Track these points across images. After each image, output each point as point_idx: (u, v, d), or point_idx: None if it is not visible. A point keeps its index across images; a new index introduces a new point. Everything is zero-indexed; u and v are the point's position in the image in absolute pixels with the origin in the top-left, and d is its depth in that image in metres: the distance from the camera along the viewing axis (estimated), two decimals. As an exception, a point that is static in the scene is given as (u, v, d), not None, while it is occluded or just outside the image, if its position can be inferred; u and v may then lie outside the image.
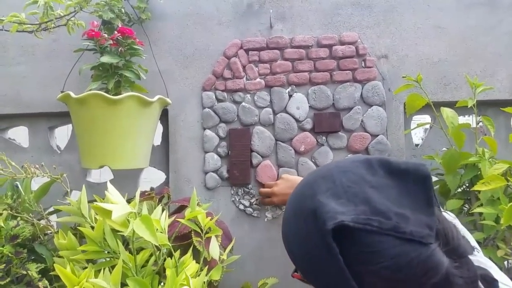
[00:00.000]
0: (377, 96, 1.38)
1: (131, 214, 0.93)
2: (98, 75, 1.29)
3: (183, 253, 1.09)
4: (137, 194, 1.01)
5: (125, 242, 1.12)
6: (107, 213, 0.91)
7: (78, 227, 1.07)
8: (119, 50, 1.25)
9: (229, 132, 1.42)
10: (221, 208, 1.40)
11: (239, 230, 1.40)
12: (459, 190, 1.24)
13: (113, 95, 1.19)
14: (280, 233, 1.44)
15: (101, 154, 1.23)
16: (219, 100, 1.43)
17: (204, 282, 0.94)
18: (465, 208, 1.25)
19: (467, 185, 1.22)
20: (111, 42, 1.25)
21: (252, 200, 1.41)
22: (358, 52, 1.40)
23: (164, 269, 1.03)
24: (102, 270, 0.91)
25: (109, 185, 1.00)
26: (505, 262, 1.17)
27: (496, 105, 1.38)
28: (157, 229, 0.97)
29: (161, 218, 1.01)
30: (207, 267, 0.99)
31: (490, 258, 1.11)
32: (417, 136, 1.47)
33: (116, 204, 0.94)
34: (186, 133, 1.44)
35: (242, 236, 1.40)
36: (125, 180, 1.48)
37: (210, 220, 1.08)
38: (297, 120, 1.41)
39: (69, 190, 1.18)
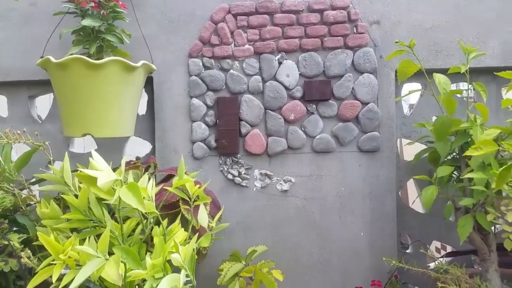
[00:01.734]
0: (368, 63, 1.35)
1: (116, 182, 0.90)
2: (79, 39, 1.23)
3: (171, 222, 1.07)
4: (123, 162, 0.98)
5: (111, 212, 1.08)
6: (92, 181, 0.88)
7: (61, 195, 1.03)
8: (101, 13, 1.20)
9: (217, 100, 1.38)
10: (209, 178, 1.38)
11: (228, 200, 1.39)
12: (449, 157, 1.24)
13: (95, 60, 1.14)
14: (269, 201, 1.42)
15: (84, 122, 1.19)
16: (206, 68, 1.38)
17: (194, 249, 0.92)
18: (455, 175, 1.24)
19: (457, 152, 1.21)
20: (92, 4, 1.19)
21: (240, 170, 1.38)
22: (350, 17, 1.36)
23: (152, 239, 1.00)
24: (87, 238, 0.88)
25: (94, 153, 0.97)
26: (493, 228, 1.18)
27: (488, 73, 1.37)
28: (144, 197, 0.95)
29: (148, 186, 0.98)
30: (196, 234, 0.97)
31: (478, 223, 1.12)
32: (408, 104, 1.46)
33: (101, 171, 0.90)
34: (172, 102, 1.40)
35: (230, 205, 1.39)
36: (110, 150, 1.44)
37: (199, 188, 1.05)
38: (286, 88, 1.37)
39: (51, 159, 1.14)
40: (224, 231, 1.36)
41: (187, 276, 0.84)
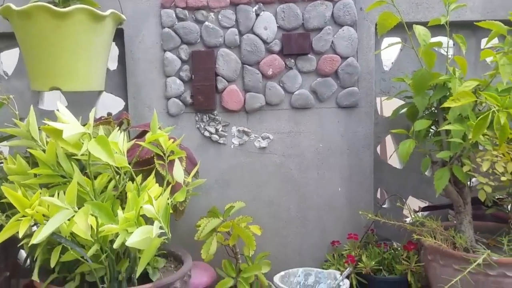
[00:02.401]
0: (348, 16, 1.31)
1: (84, 136, 0.86)
2: (43, -14, 1.15)
3: (145, 178, 1.04)
4: (91, 115, 0.93)
5: (83, 170, 1.05)
6: (59, 134, 0.84)
7: (28, 150, 0.99)
8: (65, -44, 1.11)
9: (191, 54, 1.32)
10: (185, 135, 1.34)
11: (205, 158, 1.36)
12: (427, 112, 1.23)
13: (61, 8, 1.07)
14: (247, 159, 1.41)
15: (51, 75, 1.13)
16: (180, 19, 1.32)
17: (168, 203, 0.90)
18: (433, 130, 1.24)
19: (435, 106, 1.21)
20: None
21: (217, 127, 1.35)
22: (329, -33, 1.31)
23: (126, 195, 0.98)
24: (56, 193, 0.85)
25: (60, 105, 0.92)
26: (469, 182, 1.20)
27: (468, 27, 1.35)
28: (115, 152, 0.91)
29: (119, 140, 0.95)
30: (170, 186, 0.95)
31: (455, 176, 1.13)
32: (387, 59, 1.44)
33: (68, 123, 0.86)
34: (144, 56, 1.34)
35: (208, 163, 1.37)
36: (81, 108, 1.38)
37: (173, 142, 1.02)
38: (264, 42, 1.33)
39: (17, 113, 1.09)
40: (202, 188, 1.35)
41: (161, 228, 0.82)
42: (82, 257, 0.88)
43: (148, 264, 1.00)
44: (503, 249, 1.12)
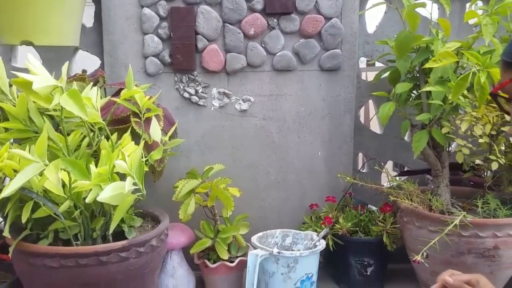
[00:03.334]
0: (333, -25, 1.28)
1: (56, 89, 0.83)
2: None
3: (121, 138, 1.01)
4: (64, 69, 0.90)
5: (57, 128, 1.01)
6: (29, 86, 0.80)
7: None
8: None
9: (170, 11, 1.27)
10: (164, 96, 1.31)
11: (184, 120, 1.33)
12: (409, 76, 1.22)
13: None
14: (227, 121, 1.38)
15: (23, 28, 1.08)
16: (158, -27, 1.26)
17: (143, 161, 0.88)
18: (414, 94, 1.24)
19: (417, 70, 1.20)
20: None
21: (197, 88, 1.32)
22: None
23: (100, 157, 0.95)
24: (27, 147, 0.83)
25: (30, 56, 0.88)
26: (448, 147, 1.20)
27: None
28: (89, 108, 0.88)
29: (92, 96, 0.92)
30: (143, 141, 0.92)
31: (433, 140, 1.13)
32: (371, 23, 1.41)
33: (38, 75, 0.83)
34: (120, 11, 1.29)
35: (187, 125, 1.34)
36: (55, 65, 1.33)
37: (149, 99, 0.99)
38: (246, 0, 1.28)
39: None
40: (182, 151, 1.33)
41: (135, 184, 0.81)
42: (56, 213, 0.86)
43: (124, 222, 0.99)
44: (477, 212, 1.14)
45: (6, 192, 0.70)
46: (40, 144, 0.74)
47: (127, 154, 0.84)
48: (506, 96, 0.66)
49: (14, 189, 0.70)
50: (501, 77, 0.66)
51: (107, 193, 0.75)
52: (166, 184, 1.30)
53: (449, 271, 0.80)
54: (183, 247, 1.23)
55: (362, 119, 1.52)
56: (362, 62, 1.69)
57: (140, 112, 1.00)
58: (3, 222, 1.08)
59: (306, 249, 1.18)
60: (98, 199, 0.75)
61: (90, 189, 0.83)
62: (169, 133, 1.06)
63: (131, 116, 1.06)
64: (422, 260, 1.02)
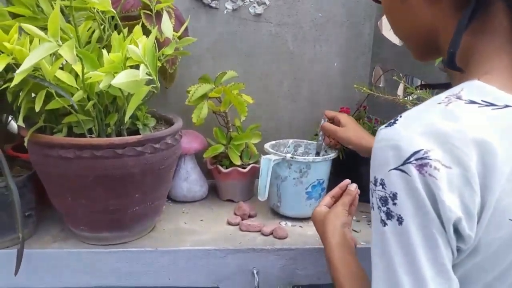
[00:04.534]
0: None
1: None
2: None
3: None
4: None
5: (66, 20, 0.97)
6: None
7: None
8: None
9: None
10: (175, -4, 1.24)
11: (196, 24, 1.28)
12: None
13: None
14: (241, 27, 1.32)
15: None
16: None
17: (156, 54, 0.85)
18: None
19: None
20: None
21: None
22: None
23: (111, 48, 0.92)
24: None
25: None
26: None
27: None
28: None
29: (102, -17, 0.86)
30: (156, 26, 0.88)
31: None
32: None
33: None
34: None
35: (199, 30, 1.29)
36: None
37: (160, -11, 0.94)
38: None
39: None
40: (193, 58, 1.30)
41: (148, 75, 0.78)
42: (70, 105, 0.85)
43: (138, 120, 0.98)
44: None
45: (20, 70, 0.68)
46: (53, 22, 0.71)
47: (140, 44, 0.81)
48: None
49: (28, 67, 0.68)
50: None
51: (121, 79, 0.73)
52: (178, 91, 1.28)
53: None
54: (196, 152, 1.23)
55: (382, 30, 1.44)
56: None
57: (151, 4, 0.94)
58: (14, 121, 1.08)
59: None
60: (112, 83, 0.73)
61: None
62: (181, 30, 1.01)
63: (141, 12, 1.01)
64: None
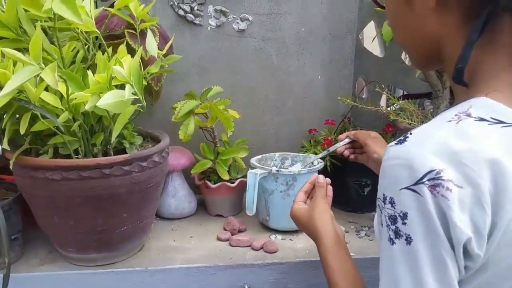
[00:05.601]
0: None
1: (47, -5, 0.78)
2: None
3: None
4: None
5: (50, 41, 0.97)
6: (17, -10, 0.75)
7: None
8: None
9: None
10: (158, 14, 1.25)
11: (180, 40, 1.29)
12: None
13: None
14: (225, 42, 1.33)
15: None
16: None
17: (142, 73, 0.85)
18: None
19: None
20: None
21: (193, 5, 1.26)
22: None
23: (97, 68, 0.92)
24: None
25: (15, -41, 0.82)
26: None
27: None
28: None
29: (86, 4, 0.87)
30: (141, 48, 0.89)
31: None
32: None
33: (25, -22, 0.77)
34: None
35: (183, 46, 1.29)
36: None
37: (143, 9, 0.94)
38: None
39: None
40: (179, 75, 1.30)
41: (134, 94, 0.78)
42: (56, 127, 0.85)
43: (125, 138, 0.98)
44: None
45: (3, 93, 0.68)
46: (34, 45, 0.71)
47: (125, 64, 0.81)
48: None
49: (10, 90, 0.68)
50: None
51: (107, 100, 0.73)
52: (164, 107, 1.28)
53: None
54: (183, 168, 1.23)
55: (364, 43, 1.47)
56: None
57: (135, 23, 0.95)
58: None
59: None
60: (98, 104, 0.73)
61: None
62: (166, 48, 1.02)
63: (125, 31, 1.02)
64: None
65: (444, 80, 1.18)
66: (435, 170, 0.45)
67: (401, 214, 0.46)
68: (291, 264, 1.00)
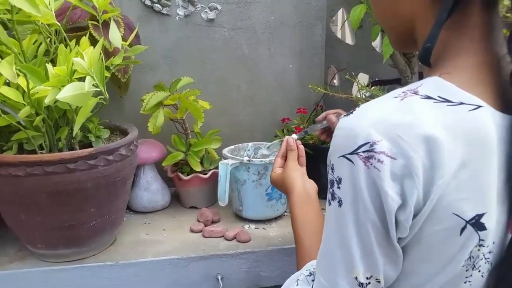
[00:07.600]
0: None
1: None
2: None
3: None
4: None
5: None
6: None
7: None
8: None
9: None
10: (125, 3, 1.23)
11: (148, 31, 1.26)
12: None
13: None
14: (194, 32, 1.32)
15: None
16: None
17: (104, 65, 0.84)
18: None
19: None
20: None
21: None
22: None
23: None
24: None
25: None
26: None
27: None
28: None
29: (45, -5, 0.84)
30: (102, 39, 0.87)
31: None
32: None
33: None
34: None
35: (151, 37, 1.27)
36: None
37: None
38: None
39: None
40: (148, 66, 1.28)
41: (95, 86, 0.77)
42: (18, 123, 0.83)
43: (90, 132, 0.96)
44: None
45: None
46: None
47: (86, 56, 0.80)
48: None
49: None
50: None
51: (67, 93, 0.72)
52: (133, 100, 1.26)
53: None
54: (155, 161, 1.22)
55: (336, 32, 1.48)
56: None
57: (97, 14, 0.93)
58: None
59: (277, 158, 1.20)
60: (58, 97, 0.71)
61: (50, 95, 0.79)
62: (130, 39, 1.00)
63: (88, 22, 1.00)
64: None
65: (413, 66, 1.19)
66: (369, 142, 0.47)
67: (337, 179, 0.50)
68: (263, 252, 1.01)
